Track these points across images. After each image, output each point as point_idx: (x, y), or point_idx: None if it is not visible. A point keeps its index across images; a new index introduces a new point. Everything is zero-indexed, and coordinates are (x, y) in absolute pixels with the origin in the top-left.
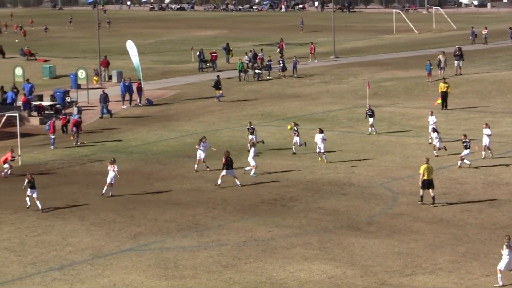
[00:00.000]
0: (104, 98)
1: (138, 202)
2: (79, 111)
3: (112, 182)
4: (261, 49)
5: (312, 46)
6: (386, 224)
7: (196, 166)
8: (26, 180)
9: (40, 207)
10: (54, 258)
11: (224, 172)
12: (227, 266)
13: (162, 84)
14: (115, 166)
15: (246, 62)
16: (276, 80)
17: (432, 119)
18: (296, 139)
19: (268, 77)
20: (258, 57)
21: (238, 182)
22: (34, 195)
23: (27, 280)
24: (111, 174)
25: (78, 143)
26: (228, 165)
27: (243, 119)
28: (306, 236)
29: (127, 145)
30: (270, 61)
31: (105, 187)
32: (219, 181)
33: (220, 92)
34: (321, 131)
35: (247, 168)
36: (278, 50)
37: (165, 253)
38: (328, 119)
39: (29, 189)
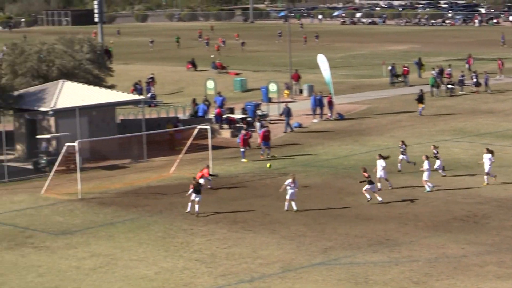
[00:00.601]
0: (288, 112)
1: (329, 216)
2: (262, 126)
3: (293, 198)
4: (449, 65)
5: (500, 61)
6: None
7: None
8: (192, 187)
9: (197, 210)
10: (245, 271)
11: (367, 186)
12: (418, 283)
13: (353, 98)
14: (294, 181)
15: (430, 78)
16: (469, 96)
17: None
18: (403, 157)
19: (460, 92)
20: (445, 73)
21: (379, 198)
22: (197, 199)
23: None
24: (290, 191)
25: (269, 156)
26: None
27: (435, 135)
28: (499, 254)
29: (318, 159)
30: (463, 76)
31: (286, 203)
32: (367, 196)
33: (423, 106)
34: (489, 151)
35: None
36: (467, 66)
37: (356, 268)
38: None
39: (194, 194)
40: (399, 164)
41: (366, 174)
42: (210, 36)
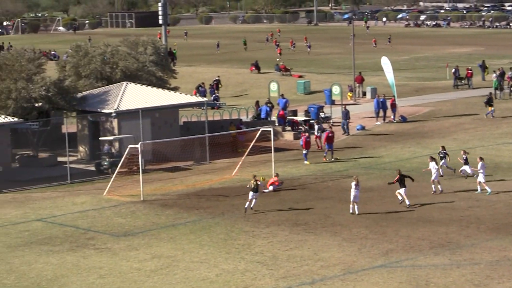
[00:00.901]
0: (346, 115)
1: (391, 219)
2: (320, 129)
3: (356, 200)
4: (511, 68)
5: None
6: None
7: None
8: (252, 185)
9: (251, 206)
10: (306, 273)
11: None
12: (480, 286)
13: (416, 101)
14: (358, 183)
15: (494, 80)
16: None
17: None
18: (443, 162)
19: None
20: (507, 76)
21: (407, 202)
22: (254, 197)
23: None
24: (353, 192)
25: (332, 159)
26: (401, 181)
27: (498, 138)
28: None
29: (380, 162)
30: None
31: (350, 206)
32: (407, 202)
33: (492, 108)
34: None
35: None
36: None
37: (417, 271)
38: None
39: (251, 193)
40: (440, 170)
41: (397, 177)
42: (278, 39)
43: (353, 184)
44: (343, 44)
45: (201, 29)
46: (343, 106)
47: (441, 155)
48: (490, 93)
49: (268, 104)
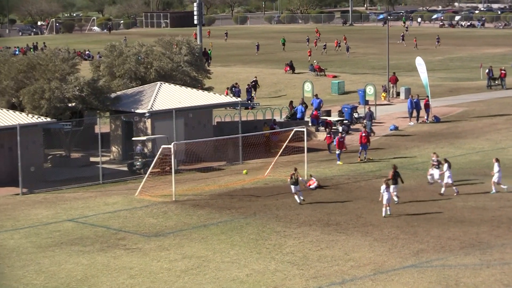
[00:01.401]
0: (370, 116)
1: (422, 219)
2: (344, 130)
3: (388, 202)
4: None
5: None
6: None
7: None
8: (293, 178)
9: (298, 201)
10: (336, 273)
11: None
12: (509, 286)
13: (450, 101)
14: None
15: None
16: None
17: None
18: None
19: None
20: None
21: (395, 199)
22: (296, 190)
23: None
24: (386, 196)
25: (365, 159)
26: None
27: None
28: None
29: (413, 162)
30: None
31: (383, 209)
32: (395, 199)
33: None
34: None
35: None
36: None
37: (447, 271)
38: None
39: (293, 187)
40: (429, 177)
41: (391, 174)
42: (317, 39)
43: (382, 187)
44: (378, 44)
45: (237, 29)
46: (368, 107)
47: (434, 163)
48: None
49: (303, 104)
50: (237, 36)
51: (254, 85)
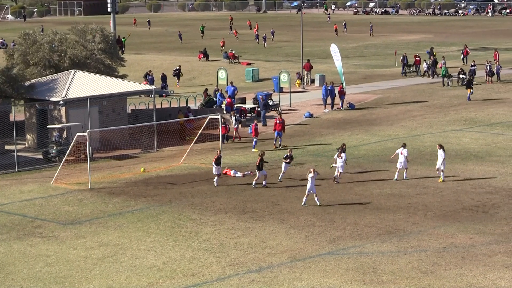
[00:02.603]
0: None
1: (338, 207)
2: (237, 120)
3: (313, 191)
4: (443, 56)
5: (496, 52)
6: None
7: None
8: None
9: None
10: (253, 260)
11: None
12: (426, 272)
13: (364, 88)
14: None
15: (425, 69)
16: (481, 86)
17: None
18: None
19: (474, 82)
20: (439, 65)
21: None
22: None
23: (225, 281)
24: (310, 183)
25: (280, 146)
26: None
27: (446, 125)
28: (508, 244)
29: (328, 149)
30: (474, 65)
31: (304, 197)
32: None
33: (471, 91)
34: (441, 147)
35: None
36: (462, 56)
37: (364, 258)
38: None
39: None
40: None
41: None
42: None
43: (309, 175)
44: (292, 31)
45: (150, 17)
46: (262, 97)
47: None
48: (470, 75)
49: (217, 92)
50: (144, 24)
51: (178, 74)
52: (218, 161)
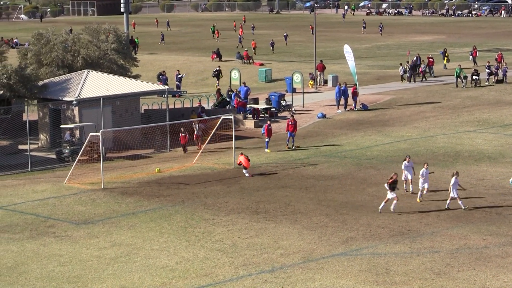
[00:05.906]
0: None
1: (351, 207)
2: (200, 128)
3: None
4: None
5: (501, 54)
6: None
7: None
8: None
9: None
10: (266, 261)
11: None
12: (440, 274)
13: (378, 89)
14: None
15: (401, 73)
16: (494, 87)
17: None
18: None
19: (486, 83)
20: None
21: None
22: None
23: (238, 282)
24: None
25: (293, 147)
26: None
27: (459, 126)
28: None
29: (341, 150)
30: (489, 67)
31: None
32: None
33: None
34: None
35: None
36: (470, 58)
37: (377, 259)
38: None
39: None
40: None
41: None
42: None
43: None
44: (305, 32)
45: (163, 17)
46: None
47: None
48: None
49: (230, 92)
50: (164, 24)
51: (217, 74)
52: (393, 185)
